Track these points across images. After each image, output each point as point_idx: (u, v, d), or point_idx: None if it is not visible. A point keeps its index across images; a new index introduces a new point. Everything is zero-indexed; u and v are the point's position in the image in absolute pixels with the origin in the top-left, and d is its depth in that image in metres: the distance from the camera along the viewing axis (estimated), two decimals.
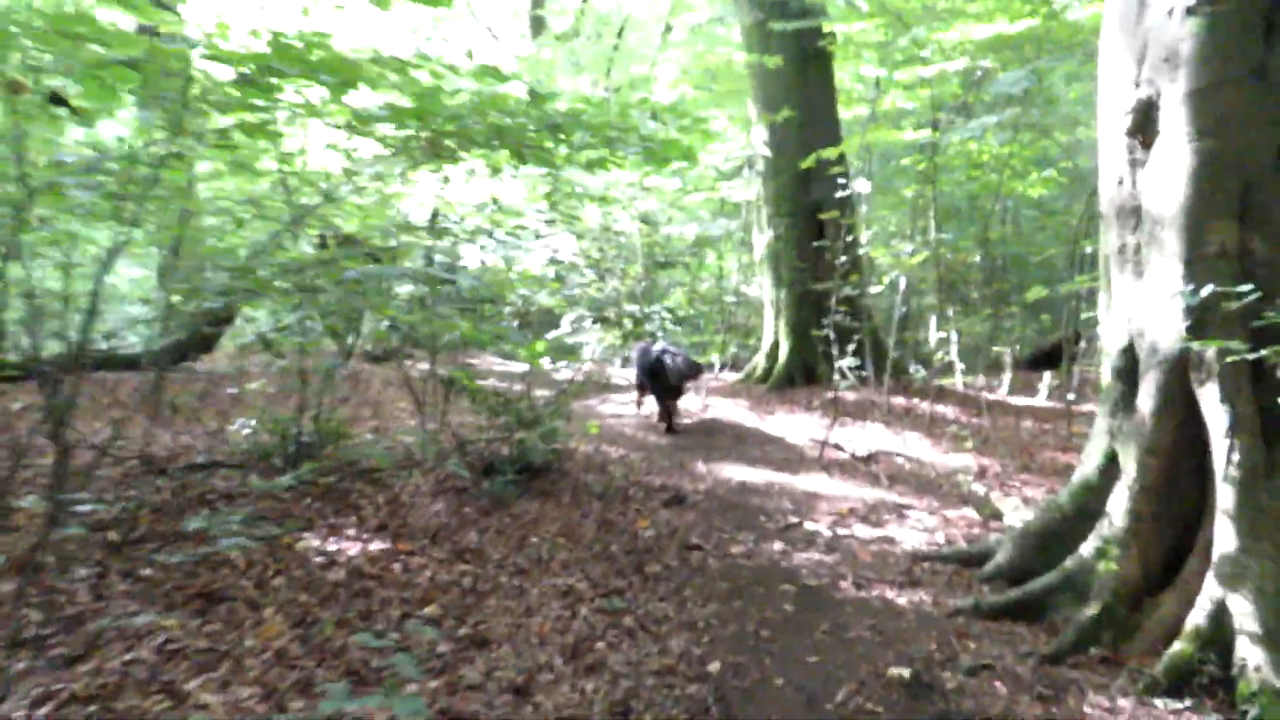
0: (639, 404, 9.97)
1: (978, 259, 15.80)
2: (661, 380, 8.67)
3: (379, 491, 5.59)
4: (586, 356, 14.74)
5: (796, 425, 9.11)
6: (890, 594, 4.33)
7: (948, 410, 9.60)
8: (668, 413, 8.92)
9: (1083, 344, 11.15)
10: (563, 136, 3.77)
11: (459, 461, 6.12)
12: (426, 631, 3.55)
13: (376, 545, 4.53)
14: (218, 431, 6.34)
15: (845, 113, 13.59)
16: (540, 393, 7.15)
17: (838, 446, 7.71)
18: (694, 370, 8.68)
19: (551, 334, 18.24)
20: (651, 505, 5.83)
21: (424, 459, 6.13)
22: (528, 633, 3.69)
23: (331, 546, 4.46)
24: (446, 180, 5.58)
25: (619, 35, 19.91)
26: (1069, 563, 3.92)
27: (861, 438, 8.37)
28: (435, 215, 5.77)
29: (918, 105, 12.84)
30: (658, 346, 8.93)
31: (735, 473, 6.97)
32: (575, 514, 5.46)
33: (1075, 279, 8.64)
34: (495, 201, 6.01)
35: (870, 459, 7.45)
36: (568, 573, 4.44)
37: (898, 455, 7.60)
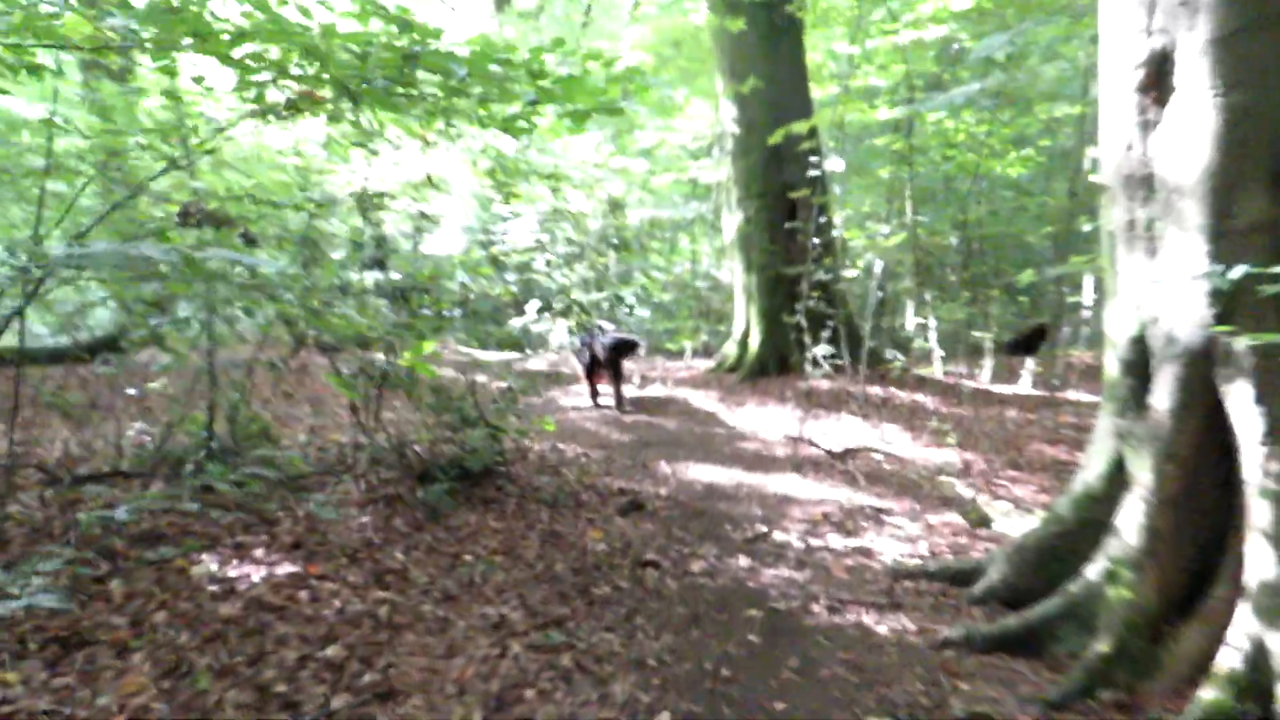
0: (593, 395, 9.74)
1: (954, 241, 15.37)
2: (593, 358, 9.31)
3: (301, 502, 5.01)
4: (555, 346, 14.22)
5: (768, 418, 8.60)
6: (869, 619, 3.81)
7: (927, 400, 9.11)
8: (594, 390, 9.58)
9: (1066, 329, 10.72)
10: (441, 82, 3.09)
11: (398, 464, 5.56)
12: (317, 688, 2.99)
13: (285, 569, 3.95)
14: (125, 436, 5.72)
15: (818, 92, 13.03)
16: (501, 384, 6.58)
17: (811, 442, 7.19)
18: (623, 345, 9.29)
19: (515, 323, 17.68)
20: (606, 513, 5.29)
21: (354, 463, 5.55)
22: (445, 679, 3.14)
23: (233, 571, 3.88)
24: (372, 154, 4.99)
25: (586, 12, 19.27)
26: (1073, 586, 3.41)
27: (837, 432, 7.86)
28: (365, 194, 5.17)
29: (891, 81, 12.30)
30: (603, 333, 9.56)
31: (701, 473, 6.44)
32: (519, 525, 4.90)
33: (1069, 260, 8.13)
34: (431, 180, 5.41)
35: (846, 455, 6.95)
36: (503, 599, 3.88)
37: (875, 451, 7.10)
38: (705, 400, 9.61)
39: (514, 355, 7.93)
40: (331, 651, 3.24)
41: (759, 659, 3.46)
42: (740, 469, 6.60)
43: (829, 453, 6.99)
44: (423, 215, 5.46)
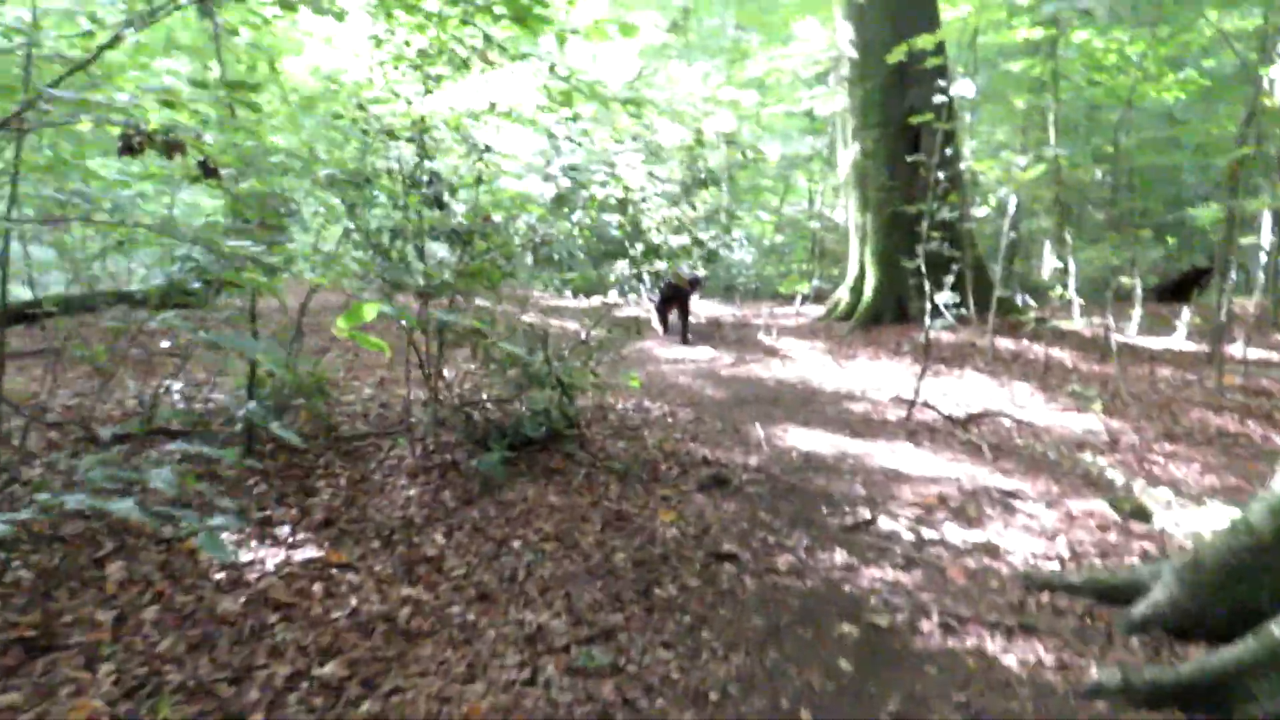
0: (663, 325, 10.61)
1: (1099, 176, 13.85)
2: (662, 296, 10.15)
3: (350, 467, 4.56)
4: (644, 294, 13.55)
5: (881, 374, 7.74)
6: (993, 646, 3.05)
7: (1065, 356, 8.08)
8: (663, 320, 10.55)
9: (1232, 274, 9.37)
10: None
11: (462, 427, 5.05)
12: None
13: (306, 553, 3.48)
14: (189, 390, 5.40)
15: (948, 11, 11.71)
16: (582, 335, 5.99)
17: (929, 405, 6.35)
18: (683, 283, 9.41)
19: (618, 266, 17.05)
20: (685, 488, 4.64)
21: (415, 424, 5.07)
22: (456, 712, 2.58)
23: (247, 555, 3.43)
24: (432, 81, 4.38)
25: None
26: (1276, 626, 2.58)
27: (959, 392, 6.98)
28: (421, 123, 4.59)
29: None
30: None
31: (800, 439, 5.71)
32: (583, 502, 4.31)
33: (1241, 199, 6.95)
34: (494, 109, 4.80)
35: (969, 422, 6.09)
36: (546, 599, 3.30)
37: (1004, 416, 6.21)
38: (811, 353, 8.81)
39: (605, 301, 7.30)
40: (330, 669, 2.72)
41: (849, 695, 2.77)
42: (845, 435, 5.84)
43: (949, 418, 6.14)
44: (486, 148, 4.82)
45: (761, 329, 10.32)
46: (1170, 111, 14.51)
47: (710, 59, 14.73)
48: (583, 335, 6.01)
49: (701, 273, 11.84)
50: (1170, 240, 15.37)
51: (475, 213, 4.75)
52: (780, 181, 19.11)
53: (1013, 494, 4.64)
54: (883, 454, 5.40)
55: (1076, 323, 9.75)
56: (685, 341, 9.96)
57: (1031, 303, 9.92)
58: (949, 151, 9.73)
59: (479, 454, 4.68)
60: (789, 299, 14.84)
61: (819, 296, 14.42)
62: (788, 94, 14.03)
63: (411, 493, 4.25)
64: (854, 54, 10.21)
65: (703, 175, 6.54)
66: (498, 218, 5.12)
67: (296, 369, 4.84)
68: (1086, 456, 5.24)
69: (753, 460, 5.21)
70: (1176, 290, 13.29)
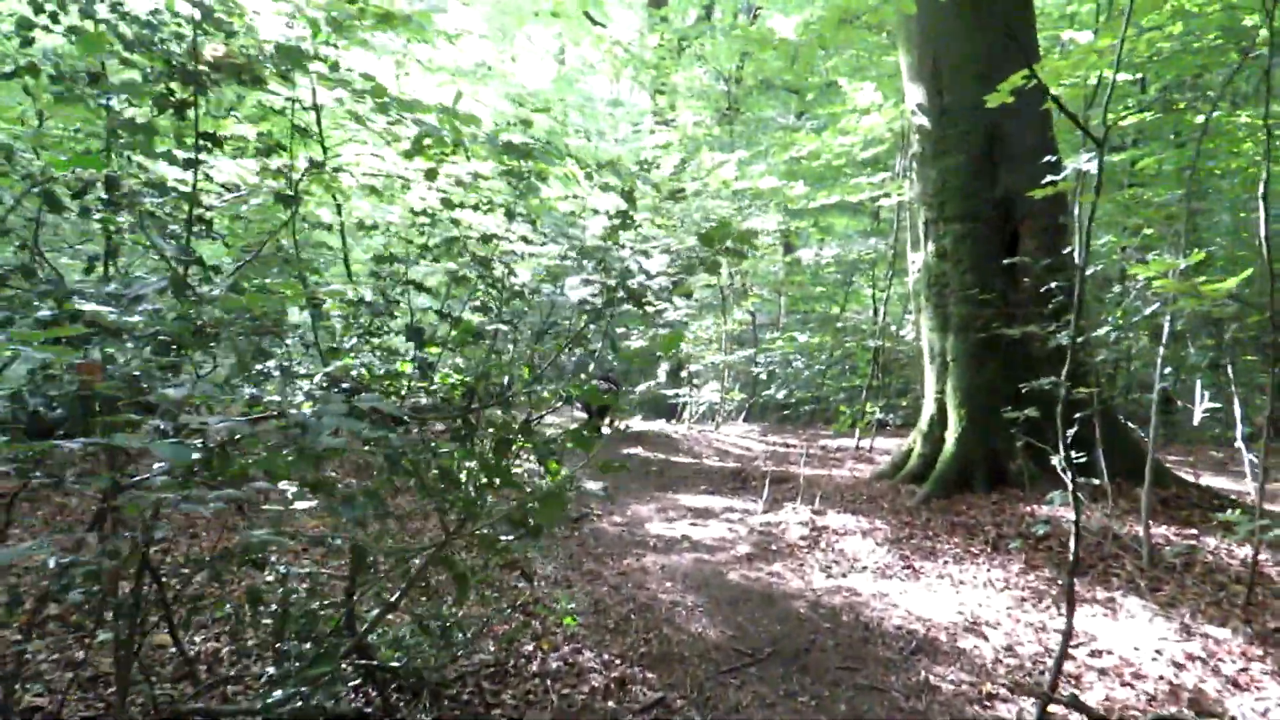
0: None
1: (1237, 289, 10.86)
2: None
3: None
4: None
5: (978, 597, 4.89)
6: None
7: (1267, 559, 5.15)
8: None
9: None
10: None
11: None
12: None
13: None
14: None
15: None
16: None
17: (1079, 707, 3.47)
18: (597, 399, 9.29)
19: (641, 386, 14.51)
20: None
21: None
22: None
23: None
24: None
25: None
26: None
27: (1116, 643, 4.10)
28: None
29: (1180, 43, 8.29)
30: None
31: None
32: None
33: None
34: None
35: None
36: None
37: None
38: (867, 541, 6.00)
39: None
40: None
41: None
42: None
43: None
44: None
45: (801, 493, 7.53)
46: None
47: (750, 148, 12.45)
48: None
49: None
50: None
51: None
52: (839, 289, 16.52)
53: None
54: None
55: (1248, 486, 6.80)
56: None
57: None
58: (1067, 250, 7.07)
59: None
60: (849, 430, 12.07)
61: (883, 425, 11.60)
62: (840, 181, 11.57)
63: None
64: (926, 122, 7.69)
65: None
66: None
67: None
68: None
69: None
70: None
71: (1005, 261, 6.99)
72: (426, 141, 3.08)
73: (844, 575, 5.32)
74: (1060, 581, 5.03)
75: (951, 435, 7.33)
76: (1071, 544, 3.73)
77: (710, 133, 16.61)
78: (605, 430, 12.13)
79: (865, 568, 5.46)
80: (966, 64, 7.38)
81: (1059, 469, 4.97)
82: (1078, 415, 5.29)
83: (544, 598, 4.73)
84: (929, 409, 7.80)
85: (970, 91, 7.39)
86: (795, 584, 5.16)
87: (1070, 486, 4.12)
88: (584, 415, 10.43)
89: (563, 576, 5.25)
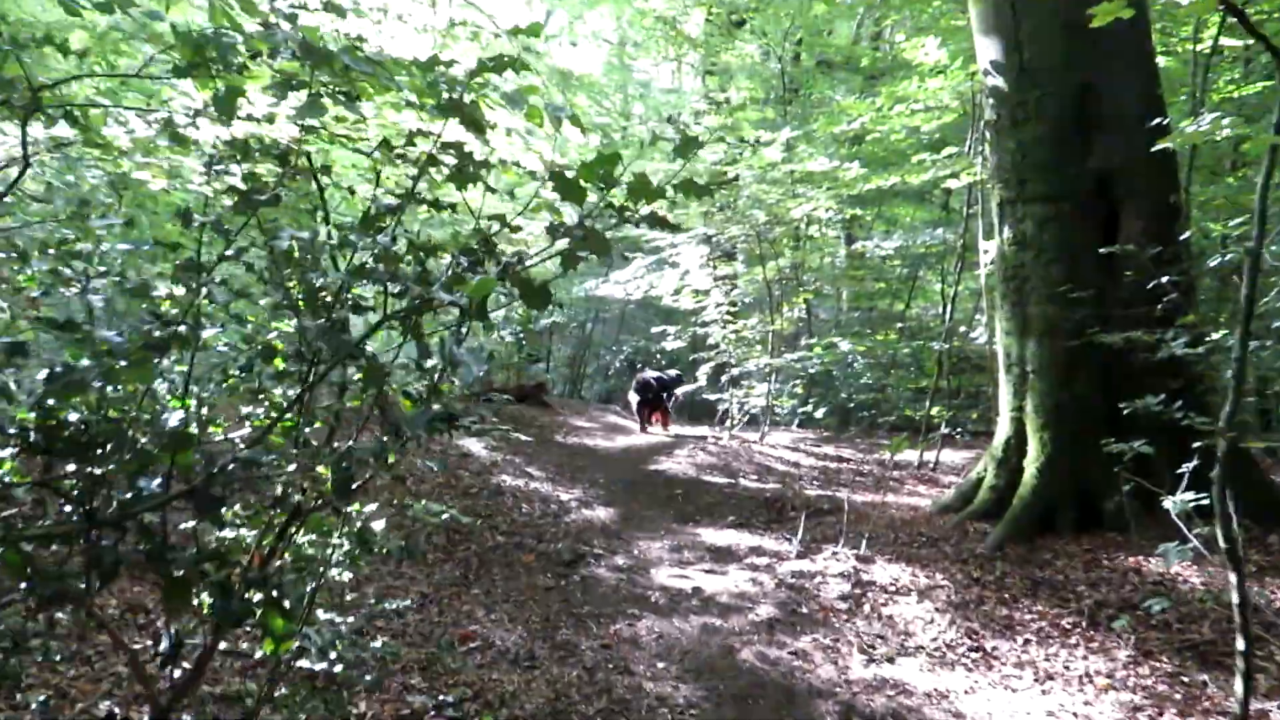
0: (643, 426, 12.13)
1: None
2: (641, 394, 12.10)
3: None
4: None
5: (1075, 711, 3.60)
6: None
7: None
8: (643, 420, 12.24)
9: None
10: None
11: None
12: None
13: None
14: None
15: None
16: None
17: None
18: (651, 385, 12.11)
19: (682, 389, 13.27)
20: None
21: None
22: None
23: None
24: None
25: None
26: None
27: None
28: None
29: None
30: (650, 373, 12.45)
31: None
32: None
33: None
34: None
35: None
36: None
37: None
38: (922, 608, 4.73)
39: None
40: None
41: None
42: None
43: None
44: None
45: (845, 531, 6.28)
46: None
47: (789, 123, 11.14)
48: None
49: (673, 371, 12.77)
50: None
51: None
52: (904, 284, 15.08)
53: None
54: None
55: None
56: (643, 429, 12.13)
57: None
58: (1185, 236, 5.72)
59: None
60: (912, 429, 10.74)
61: (955, 427, 10.22)
62: (899, 159, 10.21)
63: None
64: (1001, 83, 6.35)
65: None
66: None
67: None
68: None
69: None
70: None
71: (1102, 251, 5.63)
72: None
73: (891, 660, 4.08)
74: (1187, 679, 3.73)
75: (1032, 464, 6.00)
76: (1239, 659, 2.47)
77: (764, 115, 15.30)
78: (660, 432, 11.23)
79: (920, 647, 4.21)
80: (1051, 11, 6.04)
81: (1173, 514, 3.72)
82: (1196, 445, 3.98)
83: (487, 687, 3.61)
84: (1004, 429, 6.48)
85: (1056, 44, 6.06)
86: (826, 671, 3.95)
87: (1224, 547, 2.91)
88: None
89: (526, 651, 4.12)
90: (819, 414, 13.70)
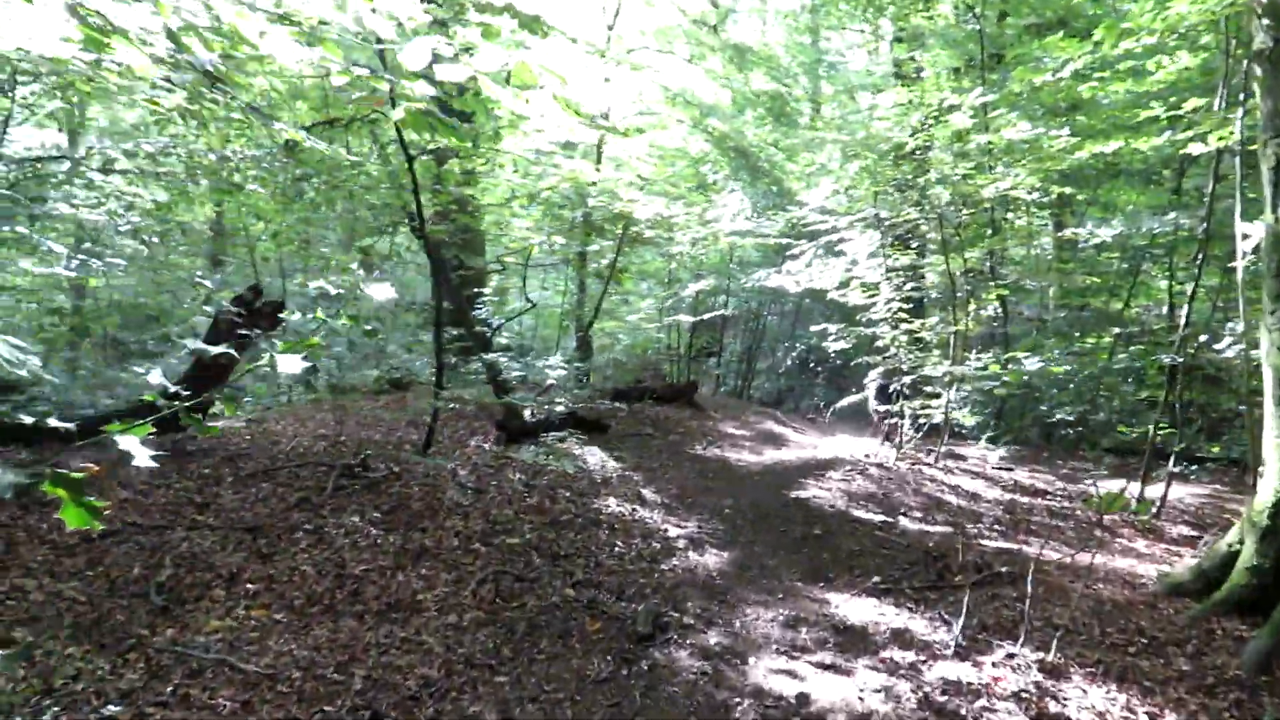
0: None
1: None
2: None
3: None
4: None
5: None
6: None
7: None
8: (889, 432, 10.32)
9: None
10: None
11: None
12: None
13: None
14: None
15: None
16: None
17: None
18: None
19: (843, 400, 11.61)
20: None
21: None
22: None
23: None
24: None
25: None
26: None
27: None
28: None
29: None
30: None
31: None
32: None
33: None
34: None
35: None
36: None
37: None
38: None
39: None
40: None
41: None
42: None
43: None
44: None
45: (1028, 618, 4.62)
46: None
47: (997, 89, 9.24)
48: None
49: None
50: None
51: None
52: (1123, 280, 12.66)
53: None
54: None
55: None
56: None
57: None
58: None
59: None
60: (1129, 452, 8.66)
61: (1183, 475, 8.08)
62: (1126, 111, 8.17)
63: None
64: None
65: None
66: None
67: None
68: None
69: None
70: None
71: None
72: None
73: None
74: None
75: None
76: None
77: (959, 84, 13.28)
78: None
79: None
80: None
81: None
82: None
83: None
84: (1271, 483, 4.59)
85: None
86: None
87: None
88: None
89: None
90: (1009, 432, 11.67)
